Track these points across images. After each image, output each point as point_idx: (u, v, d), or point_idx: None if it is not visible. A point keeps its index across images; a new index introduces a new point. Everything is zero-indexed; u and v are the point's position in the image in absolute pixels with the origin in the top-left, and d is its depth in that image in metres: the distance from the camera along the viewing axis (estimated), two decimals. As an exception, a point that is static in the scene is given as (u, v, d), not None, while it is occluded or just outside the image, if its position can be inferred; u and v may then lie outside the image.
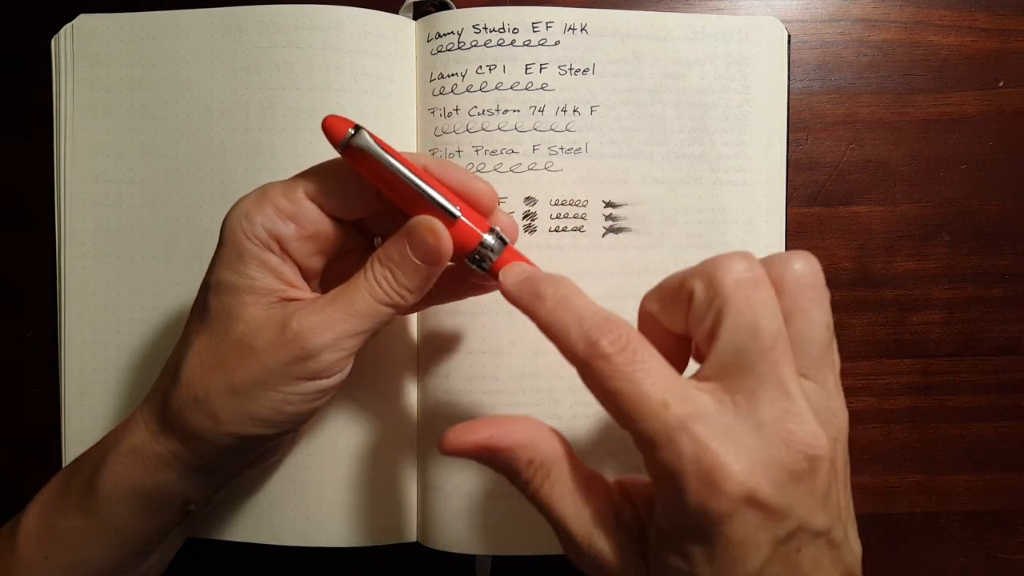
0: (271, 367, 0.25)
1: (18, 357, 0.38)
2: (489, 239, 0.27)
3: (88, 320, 0.36)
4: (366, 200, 0.27)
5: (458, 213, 0.26)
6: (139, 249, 0.36)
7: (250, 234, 0.26)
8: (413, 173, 0.26)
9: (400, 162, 0.26)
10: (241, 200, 0.26)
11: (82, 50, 0.36)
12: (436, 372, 0.35)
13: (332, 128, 0.25)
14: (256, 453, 0.30)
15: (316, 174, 0.27)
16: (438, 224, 0.26)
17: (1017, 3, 0.37)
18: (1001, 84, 0.37)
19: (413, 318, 0.36)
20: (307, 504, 0.35)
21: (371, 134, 0.25)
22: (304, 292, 0.27)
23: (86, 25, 0.36)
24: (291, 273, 0.27)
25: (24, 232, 0.38)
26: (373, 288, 0.26)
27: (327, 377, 0.26)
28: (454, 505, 0.35)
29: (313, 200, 0.26)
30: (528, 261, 0.27)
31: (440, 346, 0.35)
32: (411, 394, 0.36)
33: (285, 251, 0.26)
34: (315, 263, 0.28)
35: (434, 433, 0.35)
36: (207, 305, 0.27)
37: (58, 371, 0.36)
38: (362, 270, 0.27)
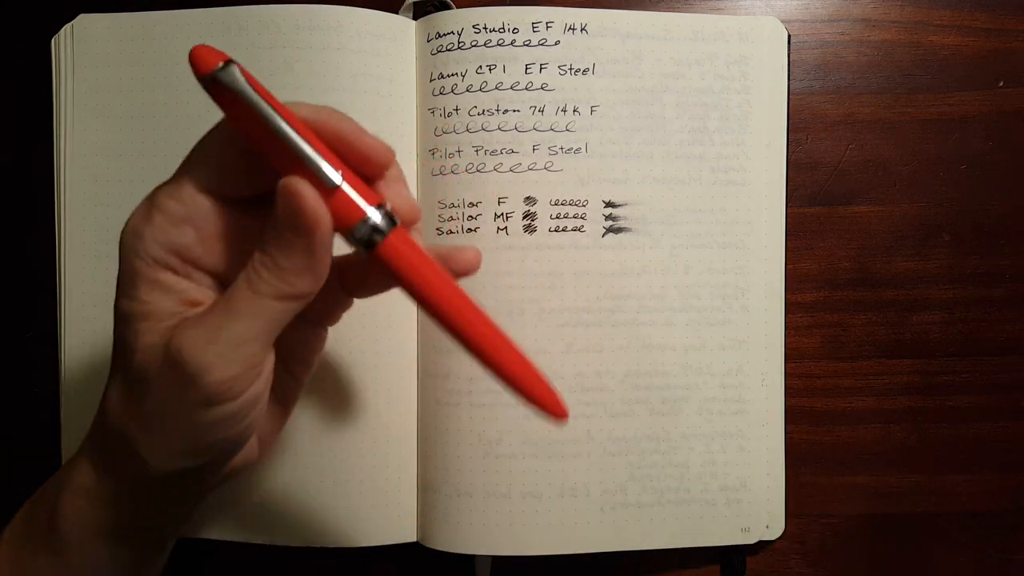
0: (166, 398, 0.22)
1: (18, 357, 0.38)
2: (374, 216, 0.22)
3: (88, 320, 0.36)
4: (258, 167, 0.22)
5: (337, 179, 0.21)
6: (139, 249, 0.36)
7: (142, 253, 0.22)
8: (286, 122, 0.21)
9: (272, 107, 0.21)
10: (130, 216, 0.23)
11: (82, 50, 0.36)
12: (436, 372, 0.35)
13: (198, 58, 0.21)
14: (210, 475, 0.26)
15: (197, 153, 0.23)
16: (299, 182, 0.21)
17: (1017, 3, 0.37)
18: (1001, 84, 0.37)
19: (413, 319, 0.36)
20: (307, 504, 0.35)
21: (245, 73, 0.21)
22: None
23: (86, 25, 0.36)
24: (195, 290, 0.23)
25: (24, 232, 0.38)
26: (252, 279, 0.22)
27: (228, 400, 0.22)
28: (454, 505, 0.35)
29: (205, 190, 0.22)
30: (418, 248, 0.23)
31: (440, 346, 0.35)
32: (411, 394, 0.36)
33: (190, 261, 0.23)
34: (234, 265, 0.23)
35: (434, 433, 0.35)
36: (114, 337, 0.24)
37: (58, 371, 0.36)
38: None
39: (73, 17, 0.36)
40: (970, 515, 0.38)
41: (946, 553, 0.38)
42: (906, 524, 0.38)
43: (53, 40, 0.36)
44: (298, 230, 0.21)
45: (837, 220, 0.38)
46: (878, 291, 0.38)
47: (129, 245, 0.22)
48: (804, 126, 0.37)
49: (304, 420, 0.35)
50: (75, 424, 0.36)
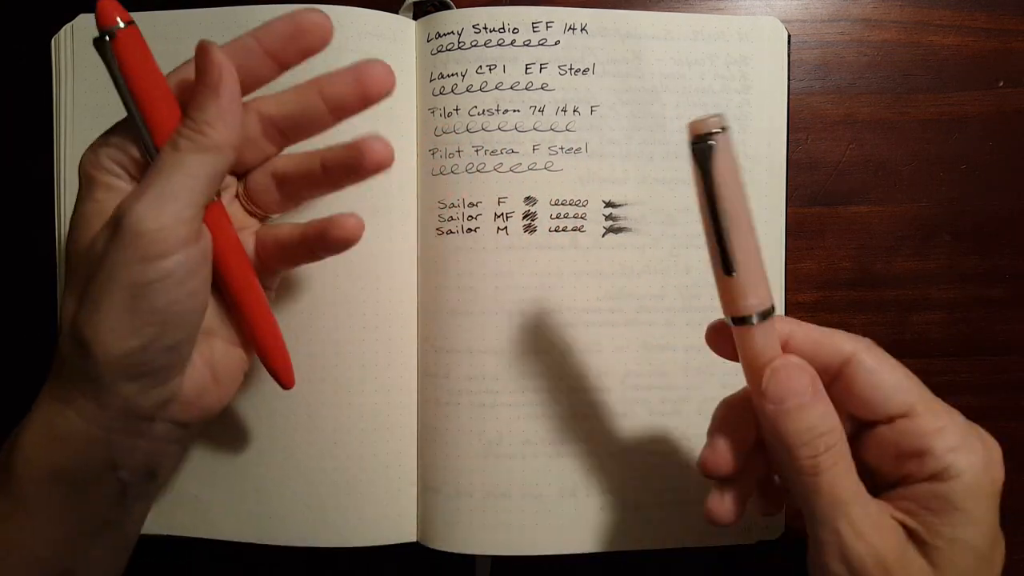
0: (111, 263, 0.24)
1: (18, 357, 0.38)
2: None
3: (88, 320, 0.36)
4: None
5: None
6: (139, 249, 0.36)
7: (98, 164, 0.26)
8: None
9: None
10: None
11: (82, 50, 0.36)
12: (436, 372, 0.35)
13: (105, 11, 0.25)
14: (165, 389, 0.26)
15: None
16: (211, 43, 0.25)
17: (1017, 3, 0.37)
18: (1001, 84, 0.37)
19: (412, 318, 0.36)
20: (307, 504, 0.35)
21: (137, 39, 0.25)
22: None
23: (86, 25, 0.36)
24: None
25: (24, 232, 0.38)
26: (173, 139, 0.25)
27: (162, 254, 0.24)
28: (454, 505, 0.35)
29: None
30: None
31: (440, 346, 0.35)
32: (411, 394, 0.36)
33: (140, 168, 0.26)
34: None
35: (434, 433, 0.35)
36: (68, 245, 0.26)
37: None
38: None
39: (73, 17, 0.36)
40: (970, 515, 0.38)
41: (946, 553, 0.38)
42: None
43: (53, 40, 0.36)
44: (208, 80, 0.25)
45: (837, 220, 0.38)
46: (878, 291, 0.38)
47: (86, 160, 0.26)
48: (804, 126, 0.37)
49: (304, 420, 0.35)
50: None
